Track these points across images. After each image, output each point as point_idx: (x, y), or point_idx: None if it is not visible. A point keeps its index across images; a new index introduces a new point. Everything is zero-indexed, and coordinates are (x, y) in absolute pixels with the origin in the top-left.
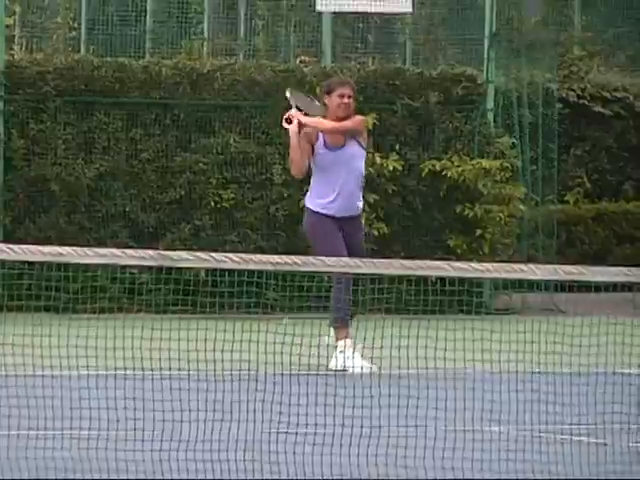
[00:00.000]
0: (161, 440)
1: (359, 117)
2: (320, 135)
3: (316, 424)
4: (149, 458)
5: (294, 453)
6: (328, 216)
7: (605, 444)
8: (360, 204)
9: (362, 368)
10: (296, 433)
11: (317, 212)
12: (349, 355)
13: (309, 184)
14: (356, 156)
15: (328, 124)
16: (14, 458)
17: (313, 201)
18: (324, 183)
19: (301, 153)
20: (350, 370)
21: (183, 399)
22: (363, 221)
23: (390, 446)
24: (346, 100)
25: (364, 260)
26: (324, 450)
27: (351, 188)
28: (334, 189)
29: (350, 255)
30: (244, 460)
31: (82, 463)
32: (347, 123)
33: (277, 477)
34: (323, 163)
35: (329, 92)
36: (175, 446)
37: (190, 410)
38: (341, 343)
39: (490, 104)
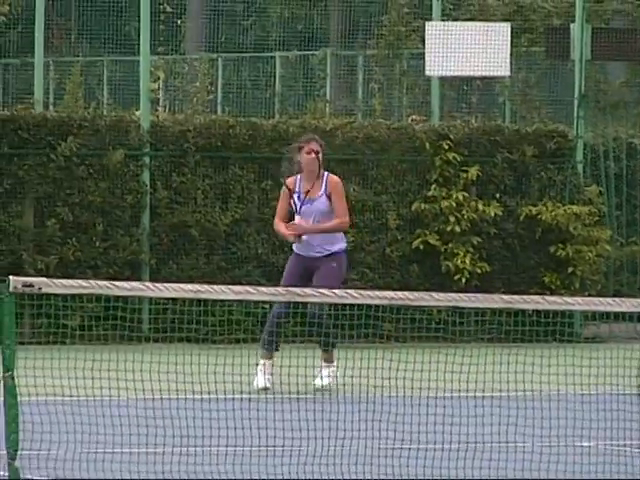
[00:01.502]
0: (290, 456)
1: (335, 180)
2: (296, 183)
3: (427, 441)
4: (280, 471)
5: (407, 466)
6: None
7: None
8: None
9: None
10: (409, 449)
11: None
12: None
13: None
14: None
15: (332, 225)
16: (166, 472)
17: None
18: None
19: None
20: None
21: (309, 419)
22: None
23: (492, 460)
24: (313, 155)
25: (469, 295)
26: (434, 463)
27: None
28: None
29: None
30: (356, 472)
31: (220, 475)
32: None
33: None
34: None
35: (299, 150)
36: (302, 460)
37: (315, 429)
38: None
39: (580, 157)
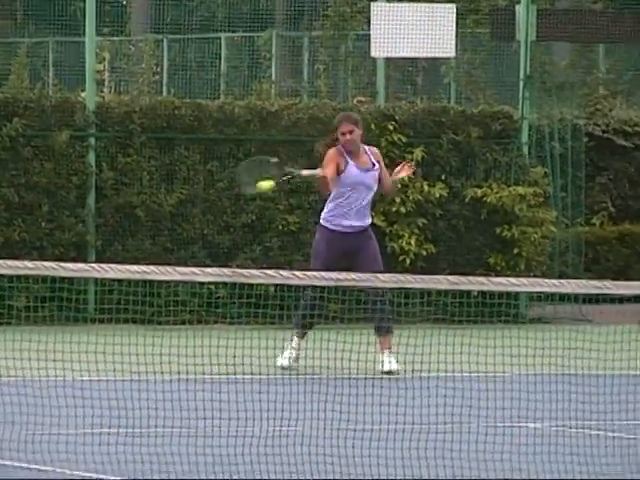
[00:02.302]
0: (236, 436)
1: (376, 150)
2: (345, 155)
3: (372, 422)
4: (225, 453)
5: (353, 447)
6: None
7: (632, 439)
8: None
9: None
10: (354, 430)
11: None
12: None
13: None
14: None
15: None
16: (111, 453)
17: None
18: None
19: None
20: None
21: (254, 400)
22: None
23: (437, 440)
24: (348, 137)
25: (414, 276)
26: (379, 444)
27: None
28: None
29: None
30: (302, 454)
31: (166, 457)
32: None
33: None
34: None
35: (336, 129)
36: (248, 441)
37: (261, 410)
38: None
39: (525, 138)
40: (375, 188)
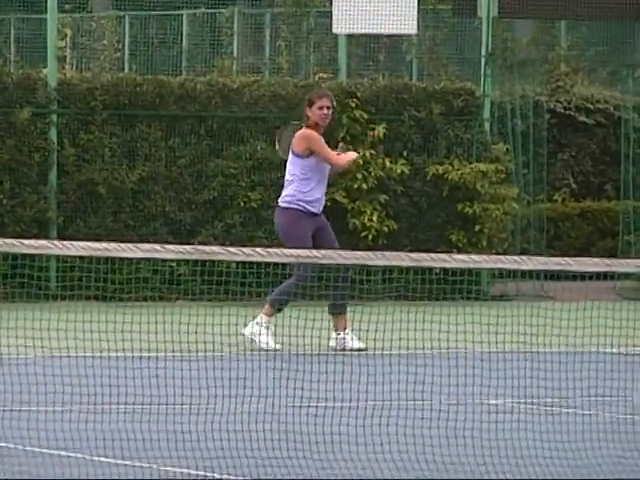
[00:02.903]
0: (197, 414)
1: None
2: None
3: (334, 399)
4: (187, 429)
5: (315, 425)
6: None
7: (593, 415)
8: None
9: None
10: (316, 407)
11: None
12: (262, 332)
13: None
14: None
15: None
16: (73, 430)
17: None
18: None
19: None
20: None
21: (217, 377)
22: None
23: (399, 417)
24: (325, 111)
25: (376, 253)
26: (342, 421)
27: None
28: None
29: None
30: (264, 431)
31: (127, 434)
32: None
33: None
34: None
35: (310, 105)
36: (210, 419)
37: (223, 387)
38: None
39: (487, 115)
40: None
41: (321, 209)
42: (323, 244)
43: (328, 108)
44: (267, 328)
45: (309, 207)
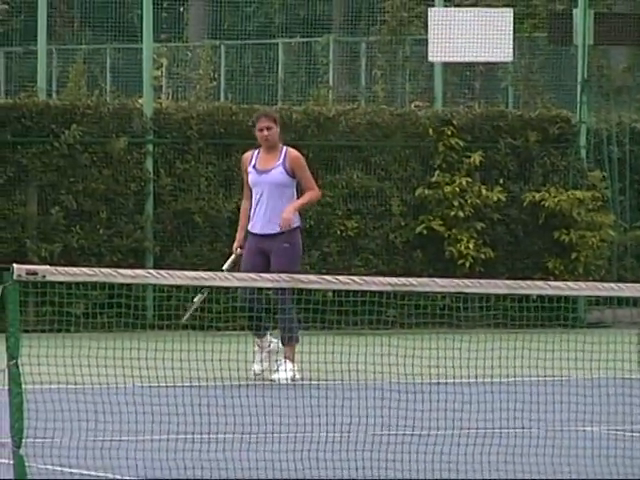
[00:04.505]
0: (295, 442)
1: (297, 154)
2: (253, 158)
3: (429, 427)
4: (285, 458)
5: (417, 453)
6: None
7: None
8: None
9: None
10: (412, 435)
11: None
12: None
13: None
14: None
15: (309, 198)
16: (162, 459)
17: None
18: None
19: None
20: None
21: (314, 405)
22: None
23: (500, 445)
24: (265, 133)
25: (472, 280)
26: (443, 449)
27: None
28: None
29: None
30: (362, 460)
31: (226, 463)
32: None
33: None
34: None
35: (254, 126)
36: (307, 447)
37: (320, 415)
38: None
39: (583, 142)
40: (280, 189)
41: (266, 231)
42: (269, 269)
43: (268, 129)
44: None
45: (249, 227)
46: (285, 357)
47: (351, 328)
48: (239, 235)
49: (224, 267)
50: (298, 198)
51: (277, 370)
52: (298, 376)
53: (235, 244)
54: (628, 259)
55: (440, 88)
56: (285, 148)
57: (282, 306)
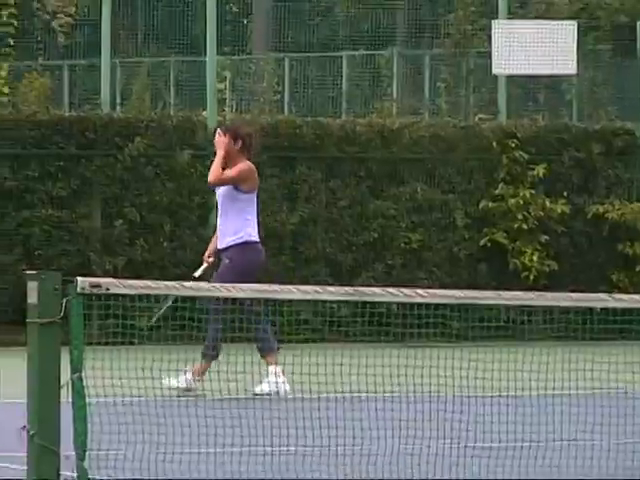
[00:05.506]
0: (361, 455)
1: (243, 165)
2: None
3: (499, 440)
4: (350, 471)
5: (489, 465)
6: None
7: None
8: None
9: (285, 392)
10: (482, 447)
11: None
12: (280, 380)
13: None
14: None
15: (213, 175)
16: (233, 471)
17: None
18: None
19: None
20: (277, 393)
21: (379, 418)
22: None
23: (570, 457)
24: (216, 138)
25: (536, 293)
26: (513, 462)
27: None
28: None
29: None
30: (434, 474)
31: (297, 474)
32: (227, 174)
33: None
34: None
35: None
36: (373, 460)
37: (380, 429)
38: (272, 369)
39: None
40: (227, 204)
41: (220, 245)
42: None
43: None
44: (279, 375)
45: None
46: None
47: (415, 341)
48: (211, 246)
49: (195, 274)
50: (256, 214)
51: (260, 382)
52: (288, 388)
53: (207, 253)
54: None
55: (504, 101)
56: (241, 163)
57: (255, 317)
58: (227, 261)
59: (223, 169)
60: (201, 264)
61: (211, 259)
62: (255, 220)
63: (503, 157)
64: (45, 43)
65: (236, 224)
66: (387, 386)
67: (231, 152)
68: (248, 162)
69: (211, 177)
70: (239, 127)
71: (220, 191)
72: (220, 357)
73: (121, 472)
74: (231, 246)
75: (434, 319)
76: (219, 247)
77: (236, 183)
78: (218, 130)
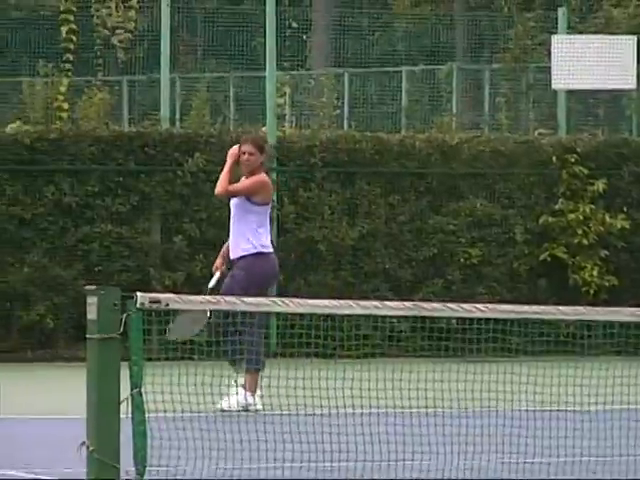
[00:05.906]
0: (420, 470)
1: (256, 178)
2: None
3: (550, 455)
4: None
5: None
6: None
7: None
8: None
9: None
10: (540, 463)
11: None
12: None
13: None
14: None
15: (220, 186)
16: None
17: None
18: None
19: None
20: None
21: (438, 433)
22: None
23: (628, 472)
24: (245, 157)
25: (595, 308)
26: (574, 477)
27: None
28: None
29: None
30: None
31: None
32: (238, 186)
33: None
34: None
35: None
36: (432, 474)
37: (439, 444)
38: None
39: None
40: (240, 215)
41: (232, 255)
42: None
43: (251, 154)
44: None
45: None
46: (240, 384)
47: (475, 356)
48: (220, 256)
49: (210, 285)
50: (270, 225)
51: (228, 395)
52: (259, 406)
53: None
54: None
55: (564, 115)
56: (257, 175)
57: (249, 330)
58: (240, 271)
59: (234, 180)
60: (212, 275)
61: (223, 267)
62: (268, 231)
63: (563, 172)
64: (104, 59)
65: (249, 235)
66: (446, 401)
67: (254, 163)
68: (264, 175)
69: (218, 188)
70: (265, 140)
71: (234, 201)
72: (280, 372)
73: None
74: (244, 256)
75: (493, 334)
76: (232, 257)
77: (248, 194)
78: (247, 147)
